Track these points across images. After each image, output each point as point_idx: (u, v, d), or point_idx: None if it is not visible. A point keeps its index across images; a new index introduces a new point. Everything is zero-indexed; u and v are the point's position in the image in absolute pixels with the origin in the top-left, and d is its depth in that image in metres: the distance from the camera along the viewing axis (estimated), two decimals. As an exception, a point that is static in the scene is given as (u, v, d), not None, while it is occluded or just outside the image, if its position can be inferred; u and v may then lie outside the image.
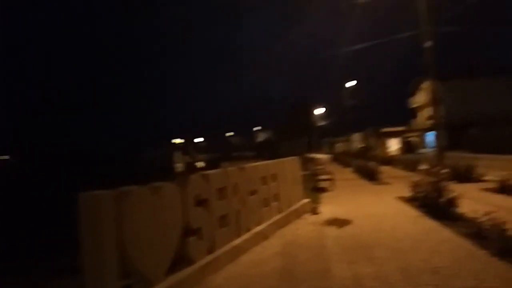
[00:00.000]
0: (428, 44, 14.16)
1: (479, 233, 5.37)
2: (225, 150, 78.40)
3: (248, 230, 5.99)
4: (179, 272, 4.26)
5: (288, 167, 8.33)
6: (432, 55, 14.29)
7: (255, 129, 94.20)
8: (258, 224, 6.37)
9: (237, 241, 5.56)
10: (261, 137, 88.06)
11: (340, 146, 79.95)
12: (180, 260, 4.46)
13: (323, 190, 12.67)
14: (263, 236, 6.30)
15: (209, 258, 4.85)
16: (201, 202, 5.01)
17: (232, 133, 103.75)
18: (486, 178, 11.88)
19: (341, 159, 34.32)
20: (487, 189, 9.90)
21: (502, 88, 45.96)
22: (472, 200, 8.08)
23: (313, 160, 33.61)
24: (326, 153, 71.67)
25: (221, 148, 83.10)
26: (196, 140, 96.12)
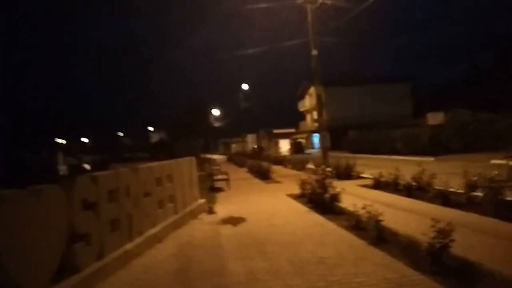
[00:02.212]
0: (314, 52, 15.26)
1: (358, 225, 5.97)
2: (116, 151, 74.28)
3: (141, 233, 5.78)
4: (64, 281, 3.94)
5: (184, 167, 8.25)
6: (317, 62, 15.45)
7: (148, 129, 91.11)
8: (152, 226, 6.20)
9: (129, 246, 5.33)
10: (155, 138, 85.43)
11: (235, 147, 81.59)
12: (67, 268, 4.13)
13: (219, 190, 12.83)
14: (158, 238, 6.14)
15: (98, 264, 4.58)
16: (89, 206, 4.70)
17: (122, 133, 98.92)
18: (364, 175, 13.21)
19: (236, 159, 35.06)
20: (364, 185, 11.02)
21: (380, 94, 51.66)
22: (352, 196, 8.90)
23: (209, 160, 33.78)
24: (222, 153, 72.54)
25: (111, 149, 78.47)
26: (82, 140, 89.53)
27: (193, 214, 8.04)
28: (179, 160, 8.24)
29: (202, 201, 8.96)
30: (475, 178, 7.47)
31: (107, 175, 5.20)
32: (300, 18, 17.04)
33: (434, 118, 27.00)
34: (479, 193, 7.12)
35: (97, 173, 5.11)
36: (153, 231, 6.11)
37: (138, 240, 5.62)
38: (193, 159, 8.98)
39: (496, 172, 6.79)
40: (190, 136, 59.90)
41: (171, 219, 6.94)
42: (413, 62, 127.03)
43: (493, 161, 14.28)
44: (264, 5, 18.08)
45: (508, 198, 6.48)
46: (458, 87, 57.28)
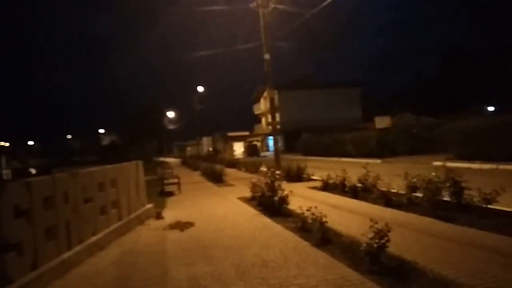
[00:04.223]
0: (266, 56, 15.40)
1: (304, 227, 6.05)
2: (64, 154, 71.09)
3: (81, 241, 5.53)
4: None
5: (130, 171, 8.00)
6: (270, 66, 15.60)
7: (98, 131, 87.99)
8: (94, 234, 5.94)
9: (68, 254, 5.08)
10: (106, 140, 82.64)
11: (190, 150, 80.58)
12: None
13: (169, 194, 12.60)
14: (99, 246, 5.90)
15: (32, 275, 4.33)
16: (22, 213, 4.43)
17: (70, 136, 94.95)
18: (314, 177, 13.46)
19: (191, 162, 34.65)
20: (314, 188, 11.23)
21: (332, 98, 53.01)
22: (302, 198, 9.04)
23: (162, 164, 33.08)
24: (177, 156, 71.44)
25: (59, 152, 74.98)
26: (27, 142, 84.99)
27: (140, 220, 7.82)
28: (125, 164, 7.97)
29: (149, 206, 8.72)
30: (414, 180, 7.80)
31: (42, 180, 4.93)
32: (255, 21, 17.14)
33: (381, 122, 28.03)
34: (419, 194, 7.45)
35: (31, 179, 4.84)
36: (94, 238, 5.86)
37: (78, 248, 5.37)
38: (140, 163, 8.72)
39: (434, 174, 7.14)
40: (144, 139, 58.51)
41: (115, 225, 6.70)
42: (364, 68, 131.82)
43: (435, 163, 15.05)
44: (219, 7, 18.04)
45: (445, 199, 6.84)
46: (405, 92, 60.20)
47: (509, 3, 64.37)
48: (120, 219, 7.02)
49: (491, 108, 44.74)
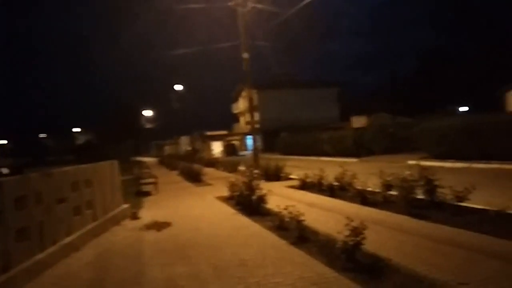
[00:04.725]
0: (245, 55, 15.39)
1: (282, 226, 6.09)
2: (38, 154, 69.20)
3: (55, 242, 5.41)
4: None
5: (106, 171, 7.86)
6: (249, 65, 15.60)
7: (74, 130, 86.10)
8: (68, 234, 5.82)
9: (41, 256, 4.96)
10: (81, 140, 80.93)
11: (168, 149, 79.83)
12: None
13: (146, 194, 12.45)
14: (74, 247, 5.78)
15: (3, 277, 4.22)
16: (-8, 215, 4.30)
17: (45, 135, 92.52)
18: (292, 176, 13.55)
19: (168, 162, 34.30)
20: (292, 186, 11.30)
21: (310, 98, 53.40)
22: (280, 197, 9.10)
23: (139, 163, 32.67)
24: (154, 156, 70.61)
25: (32, 151, 72.95)
26: (0, 142, 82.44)
27: (115, 220, 7.70)
28: (100, 163, 7.82)
29: (125, 206, 8.59)
30: (389, 178, 7.95)
31: (13, 181, 4.80)
32: (235, 20, 17.09)
33: (358, 121, 28.41)
34: (394, 192, 7.60)
35: (2, 179, 4.70)
36: (68, 239, 5.74)
37: (51, 249, 5.25)
38: (115, 162, 8.57)
39: (409, 172, 7.29)
40: (121, 138, 57.56)
41: (90, 226, 6.57)
42: (342, 68, 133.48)
43: (410, 162, 15.39)
44: (198, 5, 17.90)
45: (419, 197, 7.00)
46: (382, 93, 61.35)
47: (481, 6, 66.38)
48: (95, 219, 6.89)
49: (464, 108, 46.07)
